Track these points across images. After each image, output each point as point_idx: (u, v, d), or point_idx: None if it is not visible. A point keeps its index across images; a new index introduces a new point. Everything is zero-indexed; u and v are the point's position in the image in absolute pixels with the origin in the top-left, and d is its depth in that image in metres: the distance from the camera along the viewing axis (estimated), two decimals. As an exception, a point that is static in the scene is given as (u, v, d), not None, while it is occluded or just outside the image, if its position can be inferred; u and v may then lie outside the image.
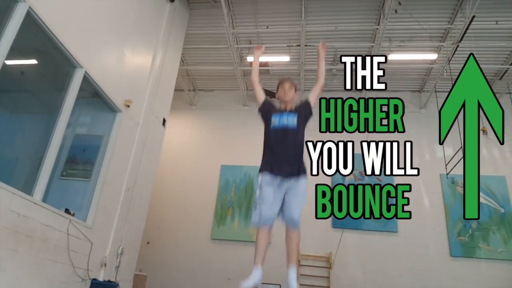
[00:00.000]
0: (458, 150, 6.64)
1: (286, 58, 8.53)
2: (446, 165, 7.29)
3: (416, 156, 7.01)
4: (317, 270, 7.73)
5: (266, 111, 2.93)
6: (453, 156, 7.12)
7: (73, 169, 4.68)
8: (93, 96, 4.83)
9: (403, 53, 8.01)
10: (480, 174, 8.84)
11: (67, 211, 4.11)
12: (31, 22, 3.53)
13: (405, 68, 8.56)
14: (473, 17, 6.39)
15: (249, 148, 8.90)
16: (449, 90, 8.84)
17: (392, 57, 7.84)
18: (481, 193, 8.90)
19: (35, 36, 3.83)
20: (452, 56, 7.38)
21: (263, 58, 8.56)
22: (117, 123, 5.03)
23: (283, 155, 2.70)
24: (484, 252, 7.58)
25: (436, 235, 7.80)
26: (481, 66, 7.86)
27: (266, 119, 2.89)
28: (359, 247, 7.90)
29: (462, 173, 8.54)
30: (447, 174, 7.40)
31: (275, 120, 2.81)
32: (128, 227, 5.30)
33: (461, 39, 6.97)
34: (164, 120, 6.53)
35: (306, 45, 7.97)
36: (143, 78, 5.82)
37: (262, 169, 2.72)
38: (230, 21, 7.47)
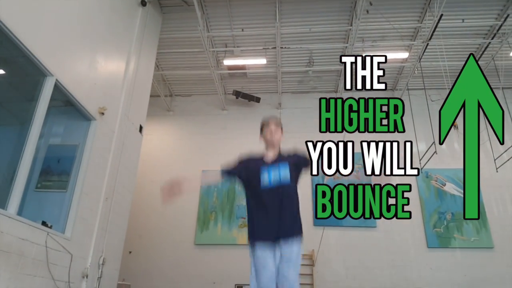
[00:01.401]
0: (431, 145, 6.89)
1: (262, 61, 8.58)
2: (420, 160, 7.53)
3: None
4: (300, 268, 7.80)
5: (246, 169, 2.53)
6: (426, 151, 7.37)
7: (49, 180, 4.54)
8: (66, 105, 4.69)
9: (376, 53, 8.23)
10: (453, 167, 9.13)
11: (44, 223, 3.98)
12: (-5, 29, 3.40)
13: (378, 67, 8.79)
14: (441, 15, 6.63)
15: (229, 152, 8.84)
16: (421, 87, 9.11)
17: (365, 56, 8.06)
18: (454, 186, 9.25)
19: (0, 44, 3.69)
20: (423, 54, 7.64)
21: (240, 61, 8.58)
22: (91, 132, 4.91)
23: (278, 218, 2.39)
24: (458, 241, 7.90)
25: (413, 228, 8.04)
26: (449, 63, 8.19)
27: (250, 178, 2.50)
28: (340, 243, 8.05)
29: (435, 167, 8.81)
30: (421, 168, 7.64)
31: (265, 177, 2.45)
32: (109, 237, 5.19)
33: (431, 38, 7.23)
34: (140, 127, 6.43)
35: (282, 47, 8.06)
36: (117, 84, 5.72)
37: (255, 239, 2.38)
38: (205, 24, 7.45)
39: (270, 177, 2.46)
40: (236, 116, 9.53)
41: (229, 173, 2.58)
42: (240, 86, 9.53)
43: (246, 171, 2.53)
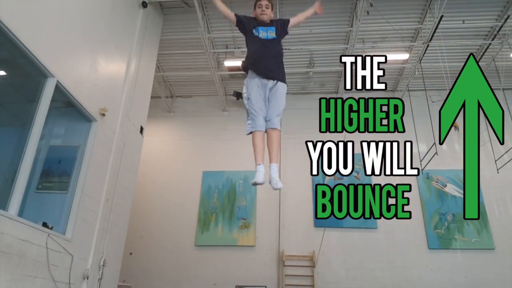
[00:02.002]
0: (432, 146, 6.88)
1: (262, 61, 8.57)
2: (420, 161, 7.52)
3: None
4: (301, 269, 7.81)
5: (244, 22, 3.20)
6: (427, 152, 7.37)
7: (49, 181, 4.54)
8: (67, 106, 4.70)
9: (376, 54, 8.23)
10: (453, 168, 9.10)
11: (44, 224, 3.99)
12: (-4, 30, 3.40)
13: (378, 68, 8.80)
14: (442, 17, 6.65)
15: (230, 153, 8.92)
16: (421, 88, 9.09)
17: (365, 57, 8.07)
18: (454, 187, 9.21)
19: (1, 46, 3.70)
20: (423, 55, 7.64)
21: (241, 62, 8.58)
22: (92, 133, 4.92)
23: (266, 62, 3.02)
24: (459, 243, 7.89)
25: (414, 229, 8.03)
26: (449, 64, 8.20)
27: (247, 30, 3.18)
28: (341, 244, 8.04)
29: (436, 168, 8.77)
30: (422, 169, 7.63)
31: (256, 32, 3.11)
32: (110, 238, 5.19)
33: (431, 39, 7.24)
34: (141, 128, 6.44)
35: (282, 48, 8.05)
36: (118, 85, 5.73)
37: (249, 69, 3.06)
38: (205, 25, 7.46)
39: (259, 32, 3.10)
40: (236, 117, 9.52)
41: (241, 19, 3.19)
42: (241, 87, 9.51)
43: (244, 22, 3.21)
